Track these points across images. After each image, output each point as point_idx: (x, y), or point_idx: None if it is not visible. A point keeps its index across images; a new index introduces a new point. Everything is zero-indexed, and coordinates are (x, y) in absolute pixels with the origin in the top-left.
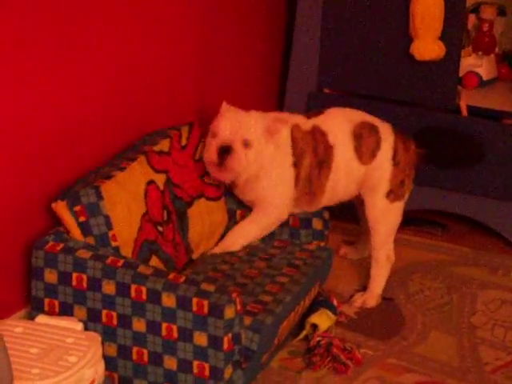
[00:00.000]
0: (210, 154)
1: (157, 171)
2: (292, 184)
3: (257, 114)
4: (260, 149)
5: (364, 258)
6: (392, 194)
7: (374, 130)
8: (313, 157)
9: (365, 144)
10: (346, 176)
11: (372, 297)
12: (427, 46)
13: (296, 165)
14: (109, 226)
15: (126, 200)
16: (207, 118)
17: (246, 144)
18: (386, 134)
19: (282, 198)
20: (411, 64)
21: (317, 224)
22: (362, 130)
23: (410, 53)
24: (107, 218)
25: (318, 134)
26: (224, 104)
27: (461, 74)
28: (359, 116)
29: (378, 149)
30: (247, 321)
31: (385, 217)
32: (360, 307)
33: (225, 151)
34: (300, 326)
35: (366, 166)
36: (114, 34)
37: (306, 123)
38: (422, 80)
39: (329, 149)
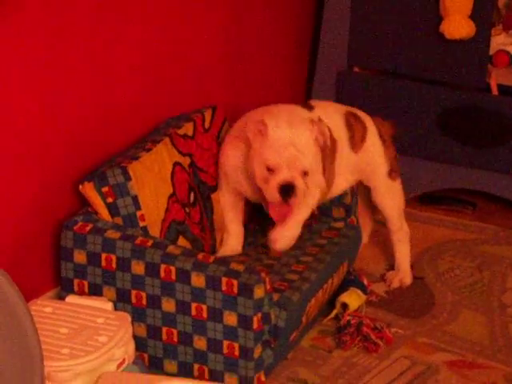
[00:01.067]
0: (271, 195)
1: (182, 154)
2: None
3: (303, 127)
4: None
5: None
6: (393, 172)
7: (356, 117)
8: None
9: (356, 132)
10: (345, 168)
11: (407, 275)
12: (457, 25)
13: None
14: (137, 206)
15: (152, 180)
16: (234, 101)
17: (305, 173)
18: (365, 118)
19: (317, 190)
20: (441, 42)
21: (347, 199)
22: (350, 119)
23: (440, 31)
24: (135, 198)
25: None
26: (270, 123)
27: (491, 53)
28: (341, 107)
29: (366, 134)
30: (275, 297)
31: (394, 196)
32: (398, 287)
33: (287, 191)
34: (330, 305)
35: (358, 154)
36: (140, 18)
37: (313, 116)
38: (452, 59)
39: (334, 143)
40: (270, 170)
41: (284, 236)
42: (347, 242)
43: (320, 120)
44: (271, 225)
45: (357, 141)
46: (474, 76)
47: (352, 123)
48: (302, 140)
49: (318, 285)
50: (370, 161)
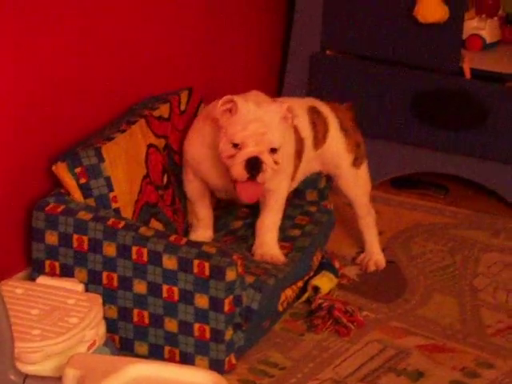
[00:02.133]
0: (237, 171)
1: (157, 136)
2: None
3: (272, 106)
4: (284, 145)
5: None
6: (356, 161)
7: (317, 111)
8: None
9: (319, 131)
10: (303, 167)
11: (380, 258)
12: (431, 9)
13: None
14: (110, 187)
15: (126, 162)
16: (209, 83)
17: (273, 150)
18: (325, 109)
19: (287, 176)
20: (414, 26)
21: (320, 183)
22: (313, 117)
23: (413, 15)
24: (108, 179)
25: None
26: (239, 100)
27: (464, 37)
28: (304, 102)
29: (327, 129)
30: (249, 279)
31: (358, 184)
32: (375, 270)
33: (254, 166)
34: (302, 288)
35: (319, 151)
36: None
37: None
38: (426, 42)
39: (301, 141)
40: (237, 146)
41: (267, 249)
42: (320, 230)
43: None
44: (239, 208)
45: (319, 139)
46: (447, 60)
47: (315, 121)
48: (269, 117)
49: (293, 277)
50: (332, 155)
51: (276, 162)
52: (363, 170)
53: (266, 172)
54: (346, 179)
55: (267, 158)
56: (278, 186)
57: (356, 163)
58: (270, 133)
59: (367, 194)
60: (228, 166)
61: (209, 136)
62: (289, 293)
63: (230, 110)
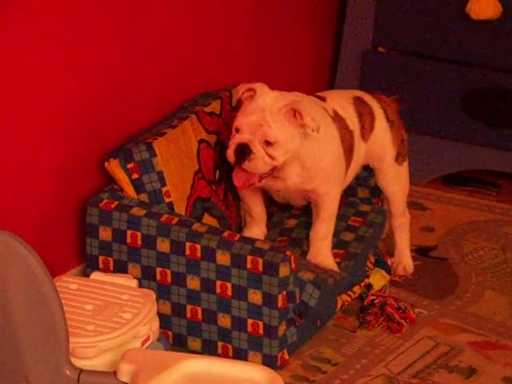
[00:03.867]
0: (228, 153)
1: (209, 132)
2: (343, 164)
3: (283, 98)
4: (287, 144)
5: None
6: (399, 157)
7: (363, 102)
8: (344, 142)
9: (366, 121)
10: (355, 161)
11: (409, 262)
12: (484, 5)
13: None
14: (162, 182)
15: (178, 157)
16: (260, 79)
17: (269, 143)
18: (370, 100)
19: (339, 180)
20: (467, 23)
21: (371, 180)
22: (359, 107)
23: (466, 11)
24: (160, 174)
25: (340, 119)
26: (258, 88)
27: None
28: (349, 93)
29: (374, 120)
30: (309, 275)
31: (399, 181)
32: (403, 276)
33: (241, 152)
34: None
35: (367, 142)
36: None
37: (327, 107)
38: (479, 39)
39: (350, 133)
40: (238, 131)
41: (321, 259)
42: (373, 232)
43: (335, 113)
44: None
45: (366, 130)
46: (500, 57)
47: (361, 111)
48: (275, 110)
49: (349, 283)
50: (377, 147)
51: (271, 157)
52: (404, 168)
53: (254, 161)
54: (387, 174)
55: (257, 149)
56: (329, 191)
57: (398, 159)
58: (268, 126)
59: (405, 193)
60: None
61: None
62: (345, 298)
63: (251, 97)
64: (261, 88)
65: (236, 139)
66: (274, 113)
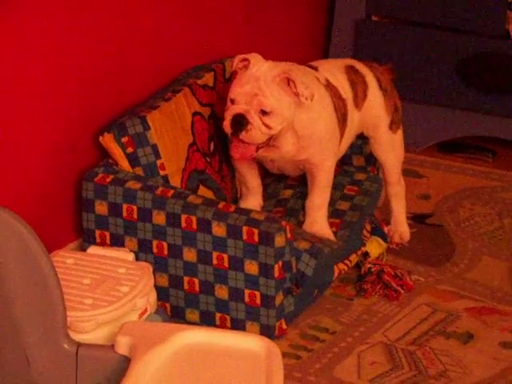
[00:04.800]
0: (225, 125)
1: (202, 104)
2: (337, 133)
3: (276, 67)
4: (282, 112)
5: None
6: (393, 124)
7: (355, 70)
8: (337, 111)
9: (358, 89)
10: (349, 130)
11: (405, 230)
12: None
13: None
14: (157, 155)
15: (172, 130)
16: (254, 49)
17: (265, 112)
18: (363, 68)
19: (334, 149)
20: None
21: (366, 148)
22: (351, 76)
23: None
24: (155, 147)
25: (332, 88)
26: (252, 58)
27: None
28: (341, 62)
29: (367, 88)
30: (305, 245)
31: (394, 149)
32: (400, 243)
33: (238, 122)
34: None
35: (360, 111)
36: None
37: (320, 76)
38: (471, 6)
39: (343, 102)
40: (233, 102)
41: (317, 229)
42: (369, 200)
43: (327, 82)
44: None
45: (359, 98)
46: (494, 23)
47: (354, 80)
48: (269, 79)
49: (345, 252)
50: (371, 115)
51: (268, 126)
52: (399, 136)
53: (251, 131)
54: (382, 142)
55: (254, 118)
56: (324, 161)
57: (393, 127)
58: (263, 95)
59: (400, 161)
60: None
61: None
62: (342, 267)
63: (245, 67)
64: (255, 58)
65: (232, 110)
66: (268, 82)
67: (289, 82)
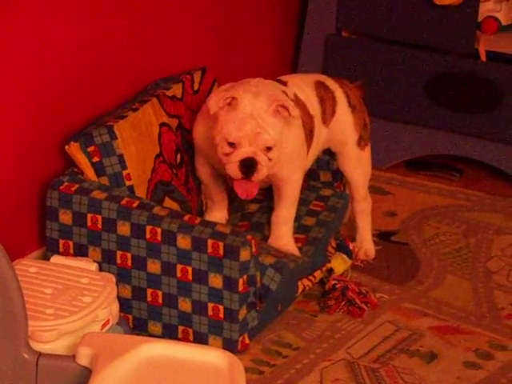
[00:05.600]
0: (232, 171)
1: (170, 115)
2: (305, 148)
3: (266, 99)
4: (280, 142)
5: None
6: (362, 141)
7: (324, 86)
8: (305, 127)
9: (327, 105)
10: (316, 145)
11: (370, 248)
12: None
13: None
14: (123, 165)
15: (139, 140)
16: (222, 63)
17: (269, 148)
18: (332, 84)
19: (301, 165)
20: (430, 8)
21: (333, 164)
22: (321, 92)
23: None
24: (121, 157)
25: (300, 104)
26: (239, 95)
27: (480, 19)
28: (311, 77)
29: (336, 104)
30: (270, 259)
31: (361, 165)
32: (365, 260)
33: (248, 166)
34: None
35: (328, 127)
36: None
37: (288, 91)
38: (441, 24)
39: (311, 119)
40: (232, 145)
41: (282, 244)
42: (334, 216)
43: (296, 97)
44: None
45: (328, 114)
46: (463, 42)
47: (323, 96)
48: (265, 114)
49: (310, 268)
50: (339, 132)
51: (271, 160)
52: (367, 152)
53: (261, 171)
54: (350, 158)
55: (262, 158)
56: (291, 176)
57: (361, 144)
58: (265, 132)
59: (367, 178)
60: (223, 163)
61: (211, 123)
62: (306, 283)
63: (229, 103)
64: (241, 95)
65: (239, 155)
66: (264, 117)
67: (281, 108)
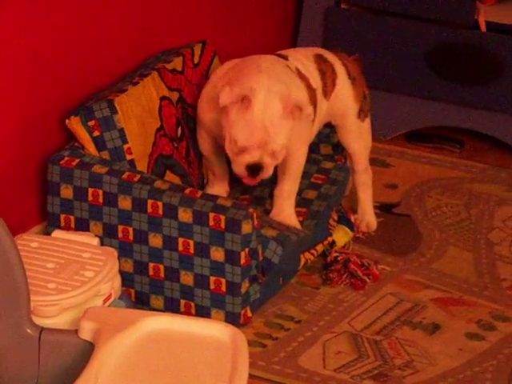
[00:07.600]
0: (238, 170)
1: (170, 89)
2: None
3: (280, 101)
4: (289, 140)
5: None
6: (361, 113)
7: (324, 59)
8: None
9: (327, 78)
10: (318, 119)
11: (372, 220)
12: None
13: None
14: (123, 139)
15: (139, 114)
16: (222, 35)
17: (275, 153)
18: (331, 57)
19: (307, 139)
20: None
21: (334, 137)
22: (321, 65)
23: None
24: (121, 131)
25: (303, 78)
26: (254, 97)
27: None
28: (310, 51)
29: (335, 77)
30: (272, 233)
31: (361, 137)
32: (366, 232)
33: (254, 170)
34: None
35: (329, 100)
36: None
37: (291, 66)
38: None
39: (314, 93)
40: (239, 148)
41: (284, 217)
42: (336, 189)
43: (298, 72)
44: None
45: (328, 87)
46: (463, 13)
47: (323, 69)
48: (276, 119)
49: (312, 241)
50: (339, 104)
51: (277, 159)
52: (367, 124)
53: (267, 172)
54: (350, 131)
55: (268, 162)
56: (296, 152)
57: (361, 116)
58: (274, 141)
59: (367, 150)
60: (231, 159)
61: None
62: (308, 256)
63: (242, 100)
64: (257, 96)
65: (246, 159)
66: (275, 122)
67: (296, 108)
